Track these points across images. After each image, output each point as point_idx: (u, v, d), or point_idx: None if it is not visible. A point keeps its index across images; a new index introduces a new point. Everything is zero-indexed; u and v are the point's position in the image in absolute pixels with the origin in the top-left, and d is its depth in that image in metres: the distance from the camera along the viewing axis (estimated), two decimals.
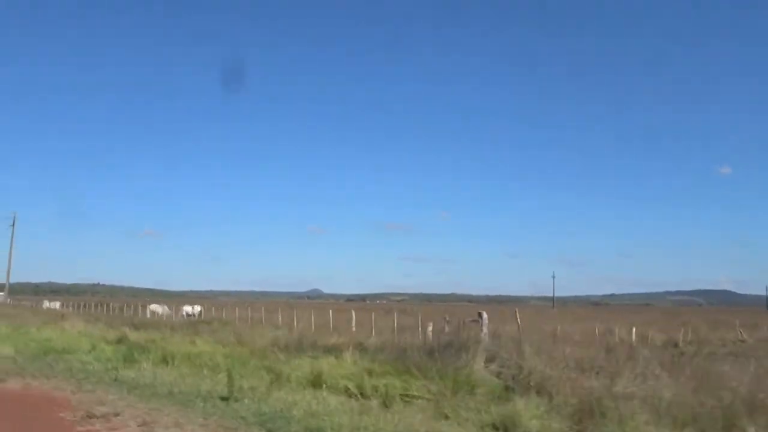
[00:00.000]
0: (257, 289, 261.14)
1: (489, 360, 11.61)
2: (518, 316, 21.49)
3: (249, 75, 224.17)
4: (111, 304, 48.64)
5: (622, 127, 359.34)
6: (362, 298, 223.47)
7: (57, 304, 50.58)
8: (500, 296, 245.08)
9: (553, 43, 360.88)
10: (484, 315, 20.52)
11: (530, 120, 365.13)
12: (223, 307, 41.42)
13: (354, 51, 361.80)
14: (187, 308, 38.65)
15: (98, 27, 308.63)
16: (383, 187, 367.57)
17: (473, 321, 21.20)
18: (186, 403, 8.49)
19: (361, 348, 12.33)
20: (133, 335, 17.67)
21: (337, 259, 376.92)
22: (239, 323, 28.54)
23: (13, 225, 59.05)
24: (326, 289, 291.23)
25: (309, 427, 7.00)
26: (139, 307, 40.63)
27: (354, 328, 25.32)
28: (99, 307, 44.75)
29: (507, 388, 8.94)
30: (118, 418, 7.60)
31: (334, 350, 12.06)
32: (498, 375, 9.85)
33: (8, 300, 55.47)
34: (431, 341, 16.50)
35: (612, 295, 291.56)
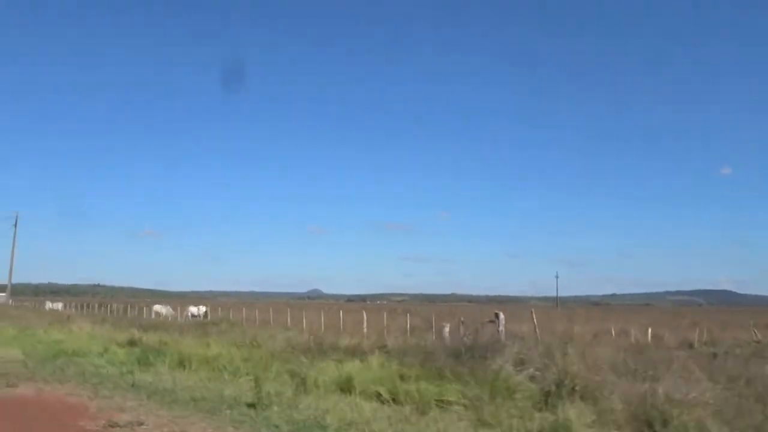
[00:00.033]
0: (257, 289, 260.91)
1: (517, 363, 11.27)
2: (534, 317, 21.11)
3: (249, 75, 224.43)
4: (114, 305, 48.15)
5: (623, 127, 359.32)
6: (362, 298, 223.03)
7: (59, 305, 50.06)
8: (501, 296, 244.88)
9: (553, 43, 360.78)
10: (501, 316, 20.09)
11: (530, 120, 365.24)
12: (229, 307, 40.89)
13: (354, 51, 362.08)
14: (193, 309, 38.17)
15: (98, 27, 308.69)
16: (383, 187, 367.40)
17: (490, 321, 20.81)
18: (212, 411, 8.05)
19: (384, 350, 11.89)
20: (143, 337, 17.24)
21: (337, 259, 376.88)
22: (247, 324, 28.13)
23: (16, 225, 58.51)
24: (326, 290, 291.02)
25: None
26: (144, 308, 40.16)
27: (365, 329, 24.90)
28: (102, 308, 44.26)
29: (548, 393, 8.52)
30: (143, 427, 7.17)
31: (357, 353, 11.61)
32: (531, 379, 9.45)
33: (10, 301, 54.90)
34: (454, 343, 16.09)
35: (612, 295, 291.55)
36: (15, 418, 7.84)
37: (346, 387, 9.06)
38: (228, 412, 7.99)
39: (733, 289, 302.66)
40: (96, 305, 46.61)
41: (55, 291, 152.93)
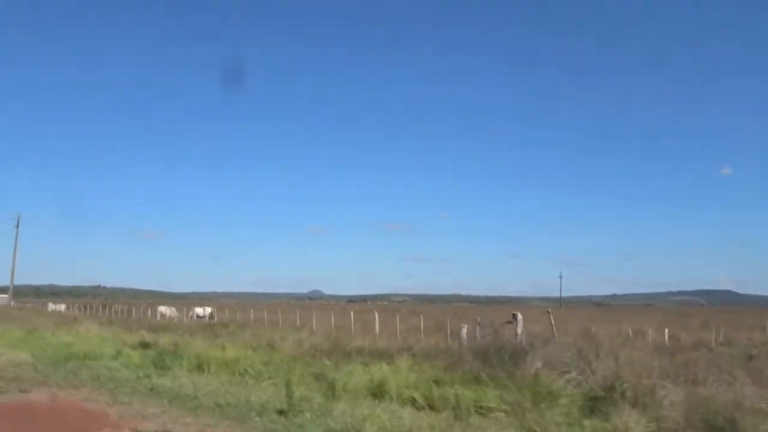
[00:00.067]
0: (258, 290, 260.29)
1: (548, 365, 10.84)
2: (552, 318, 20.68)
3: (249, 75, 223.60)
4: (117, 306, 47.70)
5: (623, 127, 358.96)
6: (363, 299, 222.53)
7: (62, 307, 49.60)
8: (501, 297, 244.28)
9: (553, 43, 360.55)
10: (519, 316, 19.66)
11: (530, 120, 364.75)
12: (236, 308, 40.44)
13: (354, 51, 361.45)
14: (198, 310, 37.71)
15: (98, 27, 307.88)
16: (383, 187, 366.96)
17: (507, 322, 20.38)
18: (240, 418, 7.61)
19: (410, 353, 11.45)
20: (154, 338, 16.80)
21: (337, 259, 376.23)
22: (255, 325, 27.69)
23: (18, 226, 58.01)
24: (327, 290, 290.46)
25: None
26: (149, 310, 39.69)
27: (377, 331, 24.46)
28: (105, 309, 43.83)
29: (594, 399, 8.08)
30: None
31: (383, 355, 11.16)
32: (573, 383, 9.01)
33: (12, 302, 54.39)
34: (473, 344, 15.66)
35: (613, 296, 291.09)
36: (30, 426, 7.41)
37: (378, 392, 8.63)
38: (257, 419, 7.55)
39: (734, 289, 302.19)
40: (99, 306, 46.16)
41: (55, 292, 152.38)
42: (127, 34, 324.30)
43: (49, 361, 13.25)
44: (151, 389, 9.61)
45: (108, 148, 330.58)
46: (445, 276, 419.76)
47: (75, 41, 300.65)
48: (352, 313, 27.44)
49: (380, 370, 9.84)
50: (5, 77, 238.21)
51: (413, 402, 8.28)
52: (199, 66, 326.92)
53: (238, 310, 37.67)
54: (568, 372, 9.38)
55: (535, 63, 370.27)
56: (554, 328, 20.01)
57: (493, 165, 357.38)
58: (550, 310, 21.43)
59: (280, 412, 7.74)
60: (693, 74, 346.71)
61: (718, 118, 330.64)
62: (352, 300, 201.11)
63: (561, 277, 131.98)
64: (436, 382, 8.65)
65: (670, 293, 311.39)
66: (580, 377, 8.79)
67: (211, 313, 37.02)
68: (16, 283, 61.73)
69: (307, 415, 7.58)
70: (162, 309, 39.00)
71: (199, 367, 11.30)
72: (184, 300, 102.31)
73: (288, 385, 8.00)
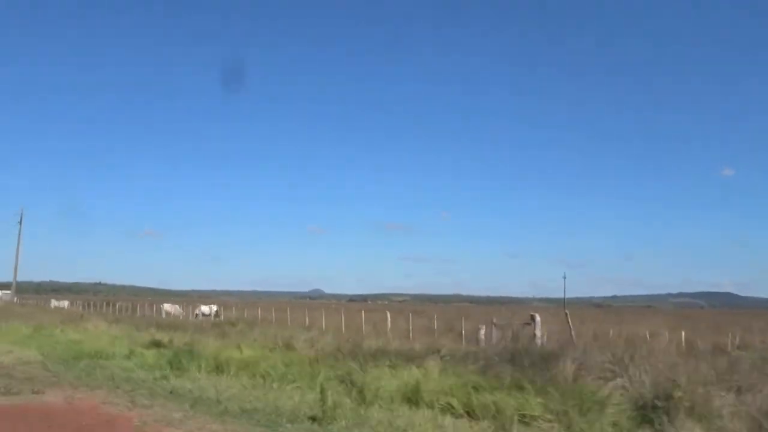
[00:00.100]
0: (258, 288, 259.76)
1: (578, 370, 10.41)
2: (569, 319, 20.24)
3: (249, 75, 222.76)
4: (120, 303, 47.21)
5: (623, 127, 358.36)
6: (364, 298, 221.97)
7: (65, 303, 49.13)
8: (502, 297, 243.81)
9: (554, 43, 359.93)
10: (538, 318, 19.21)
11: (530, 120, 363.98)
12: (243, 307, 39.95)
13: (354, 51, 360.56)
14: (204, 308, 37.24)
15: (98, 27, 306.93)
16: (383, 187, 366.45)
17: (526, 324, 19.92)
18: (270, 425, 7.16)
19: (438, 355, 10.98)
20: (164, 337, 16.33)
21: (337, 259, 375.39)
22: (263, 324, 27.21)
23: (21, 222, 57.32)
24: (327, 290, 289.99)
25: None
26: (154, 307, 39.19)
27: (389, 331, 24.00)
28: (109, 307, 43.33)
29: (643, 407, 7.64)
30: None
31: (410, 358, 10.70)
32: (613, 389, 8.56)
33: (15, 299, 53.87)
34: (506, 346, 15.15)
35: (614, 297, 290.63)
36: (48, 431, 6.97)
37: (413, 398, 8.17)
38: (289, 426, 7.12)
39: (735, 291, 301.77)
40: (103, 304, 45.66)
41: (56, 289, 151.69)
42: (127, 34, 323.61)
43: (59, 360, 12.82)
44: (171, 392, 9.16)
45: (108, 148, 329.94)
46: (445, 276, 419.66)
47: (75, 41, 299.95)
48: (363, 312, 26.95)
49: (410, 373, 9.38)
50: (5, 77, 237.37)
51: (450, 409, 7.84)
52: (199, 66, 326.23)
53: (243, 309, 37.19)
54: (609, 378, 8.96)
55: (536, 63, 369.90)
56: (572, 330, 19.59)
57: (493, 165, 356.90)
58: (567, 311, 21.01)
59: (313, 419, 7.31)
60: (694, 75, 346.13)
61: (719, 120, 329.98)
62: (352, 299, 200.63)
63: (565, 277, 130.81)
64: (475, 388, 8.19)
65: (670, 295, 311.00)
66: (626, 383, 8.34)
67: (216, 311, 36.58)
68: (17, 279, 61.28)
69: (342, 422, 7.15)
70: (167, 307, 38.50)
71: (218, 368, 10.85)
72: (185, 298, 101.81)
73: (322, 391, 7.55)
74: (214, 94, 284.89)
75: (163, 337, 16.63)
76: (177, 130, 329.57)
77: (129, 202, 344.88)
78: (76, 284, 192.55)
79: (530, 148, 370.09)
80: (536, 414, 7.52)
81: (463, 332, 22.09)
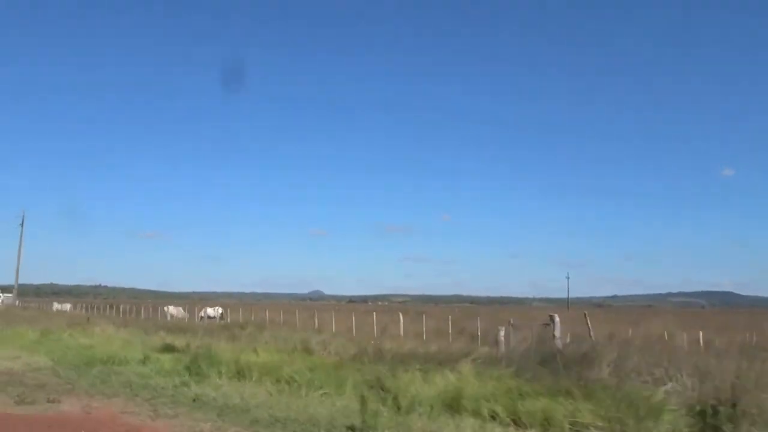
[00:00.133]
0: (258, 290, 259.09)
1: (614, 373, 9.98)
2: (588, 320, 19.81)
3: (249, 75, 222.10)
4: (122, 305, 46.71)
5: (624, 128, 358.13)
6: (364, 299, 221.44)
7: (68, 306, 48.57)
8: (502, 297, 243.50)
9: (554, 43, 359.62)
10: (557, 318, 18.73)
11: (530, 120, 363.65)
12: (244, 308, 39.41)
13: (354, 51, 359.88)
14: (209, 310, 36.74)
15: (98, 27, 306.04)
16: (383, 188, 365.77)
17: (545, 325, 19.46)
18: None
19: (469, 358, 10.52)
20: (175, 341, 15.86)
21: (337, 260, 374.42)
22: (271, 327, 26.75)
23: (22, 224, 56.80)
24: (327, 291, 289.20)
25: None
26: (159, 310, 38.68)
27: (402, 332, 23.57)
28: (112, 309, 42.87)
29: (702, 414, 7.19)
30: None
31: (439, 361, 10.24)
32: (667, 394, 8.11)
33: (16, 302, 53.25)
34: (511, 348, 14.74)
35: (614, 297, 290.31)
36: None
37: (454, 405, 7.71)
38: None
39: (735, 291, 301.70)
40: (106, 306, 45.19)
41: (56, 291, 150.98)
42: (127, 34, 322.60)
43: (70, 366, 12.36)
44: (194, 399, 8.69)
45: (108, 148, 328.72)
46: (446, 277, 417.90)
47: (75, 41, 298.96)
48: (374, 314, 26.51)
49: (444, 378, 8.94)
50: (5, 77, 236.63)
51: (495, 417, 7.39)
52: (199, 66, 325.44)
53: (250, 311, 36.72)
54: (657, 381, 8.53)
55: (535, 63, 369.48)
56: (591, 331, 19.15)
57: (493, 166, 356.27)
58: (585, 313, 20.59)
59: (352, 429, 6.85)
60: (694, 75, 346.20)
61: (719, 120, 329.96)
62: (352, 300, 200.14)
63: (568, 278, 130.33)
64: (518, 394, 7.75)
65: (671, 294, 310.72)
66: (678, 387, 7.90)
67: (222, 313, 36.11)
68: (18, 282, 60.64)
69: None
70: (172, 310, 38.01)
71: (239, 373, 10.38)
72: (186, 300, 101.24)
73: (362, 399, 7.09)
74: (214, 94, 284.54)
75: (174, 340, 16.17)
76: (177, 130, 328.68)
77: (129, 202, 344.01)
78: (77, 287, 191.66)
79: (530, 148, 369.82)
80: (587, 421, 7.07)
81: (479, 333, 21.67)
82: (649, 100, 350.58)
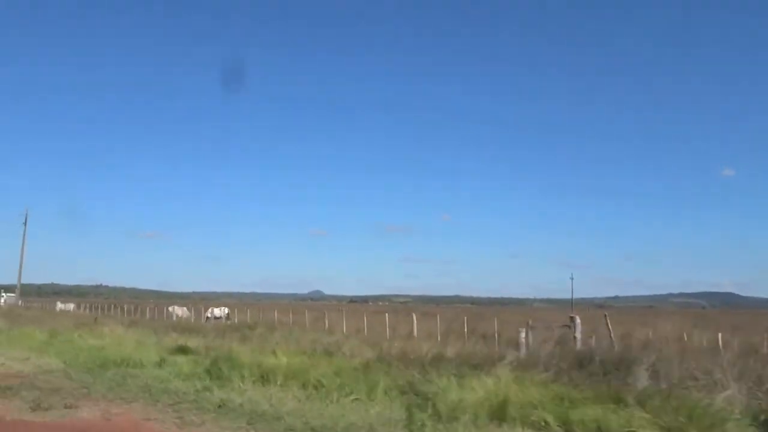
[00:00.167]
0: (258, 290, 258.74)
1: (652, 377, 9.55)
2: (608, 321, 19.37)
3: (249, 75, 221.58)
4: (126, 306, 46.24)
5: (624, 128, 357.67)
6: (364, 299, 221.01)
7: (71, 306, 48.07)
8: (503, 298, 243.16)
9: (554, 43, 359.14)
10: (578, 319, 18.28)
11: (530, 120, 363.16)
12: (248, 309, 38.87)
13: (354, 51, 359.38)
14: (216, 311, 36.25)
15: (98, 27, 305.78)
16: (383, 188, 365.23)
17: (565, 326, 19.00)
18: None
19: (503, 361, 10.07)
20: (188, 342, 15.43)
21: (337, 260, 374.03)
22: (279, 326, 26.30)
23: (25, 223, 56.22)
24: (327, 291, 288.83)
25: None
26: (165, 311, 38.17)
27: (416, 333, 23.11)
28: (116, 309, 42.40)
29: (765, 424, 6.75)
30: None
31: (477, 365, 9.79)
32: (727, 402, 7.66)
33: (19, 302, 52.70)
34: (532, 350, 14.31)
35: (615, 297, 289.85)
36: None
37: (500, 413, 7.25)
38: None
39: (736, 291, 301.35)
40: (111, 306, 44.71)
41: (57, 291, 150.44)
42: (127, 34, 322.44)
43: (83, 369, 11.89)
44: (219, 406, 8.22)
45: (108, 148, 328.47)
46: (446, 277, 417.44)
47: (75, 41, 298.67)
48: (387, 315, 26.04)
49: (481, 383, 8.48)
50: (5, 77, 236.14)
51: (545, 427, 6.93)
52: (199, 66, 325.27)
53: (259, 311, 36.21)
54: (707, 387, 8.09)
55: (535, 63, 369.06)
56: (611, 334, 18.70)
57: (493, 166, 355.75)
58: (606, 314, 20.15)
59: None
60: (694, 75, 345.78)
61: (719, 120, 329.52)
62: (353, 300, 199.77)
63: (572, 278, 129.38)
64: (571, 401, 7.30)
65: (671, 295, 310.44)
66: (737, 394, 7.45)
67: (228, 313, 35.64)
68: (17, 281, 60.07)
69: None
70: (178, 310, 37.51)
71: (262, 377, 9.92)
72: (187, 300, 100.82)
73: (410, 409, 6.64)
74: (214, 94, 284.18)
75: (186, 341, 15.73)
76: (177, 130, 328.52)
77: (129, 202, 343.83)
78: (77, 286, 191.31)
79: (530, 148, 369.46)
80: (645, 431, 6.63)
81: (496, 335, 21.22)
82: (649, 100, 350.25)
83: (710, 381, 8.75)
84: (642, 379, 9.46)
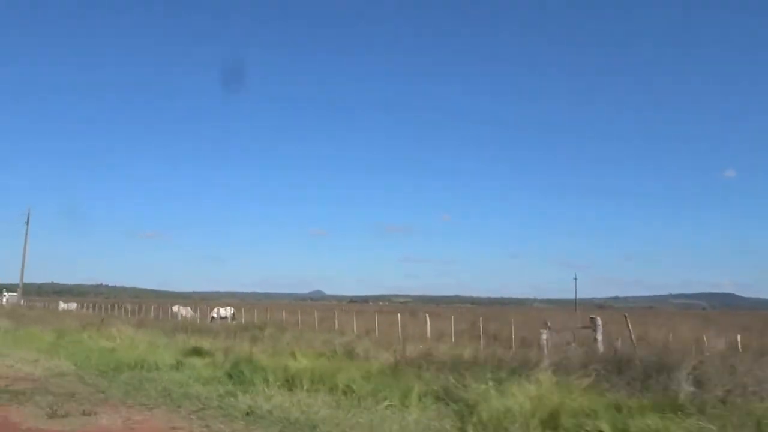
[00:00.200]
0: (259, 290, 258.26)
1: (695, 383, 9.10)
2: (629, 323, 18.91)
3: (249, 75, 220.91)
4: (129, 305, 45.73)
5: (624, 128, 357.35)
6: (365, 299, 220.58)
7: (73, 306, 47.55)
8: (503, 298, 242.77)
9: (554, 43, 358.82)
10: (599, 321, 17.82)
11: (531, 120, 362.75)
12: (267, 309, 38.37)
13: (354, 51, 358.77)
14: (222, 310, 35.76)
15: (98, 27, 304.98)
16: (383, 188, 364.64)
17: (585, 327, 18.53)
18: None
19: (539, 365, 9.60)
20: (201, 343, 14.96)
21: (338, 260, 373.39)
22: (288, 327, 25.85)
23: (28, 222, 55.56)
24: (328, 291, 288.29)
25: None
26: (169, 310, 37.66)
27: (429, 334, 22.69)
28: (120, 309, 41.90)
29: None
30: None
31: (514, 369, 9.32)
32: None
33: (21, 301, 52.14)
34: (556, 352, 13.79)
35: (615, 298, 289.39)
36: None
37: (550, 422, 6.79)
38: None
39: (736, 292, 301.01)
40: (115, 306, 44.23)
41: (58, 290, 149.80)
42: (127, 34, 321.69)
43: (96, 371, 11.44)
44: (247, 413, 7.75)
45: (108, 148, 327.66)
46: (446, 277, 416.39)
47: (75, 41, 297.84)
48: (399, 315, 25.58)
49: (521, 389, 8.02)
50: (5, 77, 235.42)
51: None
52: (199, 66, 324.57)
53: (266, 311, 35.71)
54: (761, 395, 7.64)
55: (536, 63, 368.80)
56: (632, 335, 18.23)
57: (493, 166, 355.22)
58: (626, 315, 19.67)
59: None
60: (694, 75, 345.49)
61: (719, 120, 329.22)
62: (353, 300, 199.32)
63: (576, 279, 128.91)
64: (629, 409, 6.84)
65: (671, 296, 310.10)
66: None
67: (233, 313, 35.17)
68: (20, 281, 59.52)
69: None
70: (182, 311, 37.00)
71: (287, 381, 9.45)
72: (187, 299, 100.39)
73: (462, 416, 6.18)
74: (214, 94, 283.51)
75: (198, 342, 15.26)
76: (177, 130, 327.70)
77: (129, 202, 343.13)
78: (78, 286, 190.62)
79: (530, 148, 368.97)
80: None
81: (513, 337, 20.77)
82: (649, 100, 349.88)
83: (762, 388, 8.33)
84: (685, 386, 9.04)
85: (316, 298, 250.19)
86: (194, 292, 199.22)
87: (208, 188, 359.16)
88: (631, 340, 18.03)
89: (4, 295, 58.50)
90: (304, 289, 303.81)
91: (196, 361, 11.81)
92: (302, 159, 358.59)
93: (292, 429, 6.98)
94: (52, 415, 7.66)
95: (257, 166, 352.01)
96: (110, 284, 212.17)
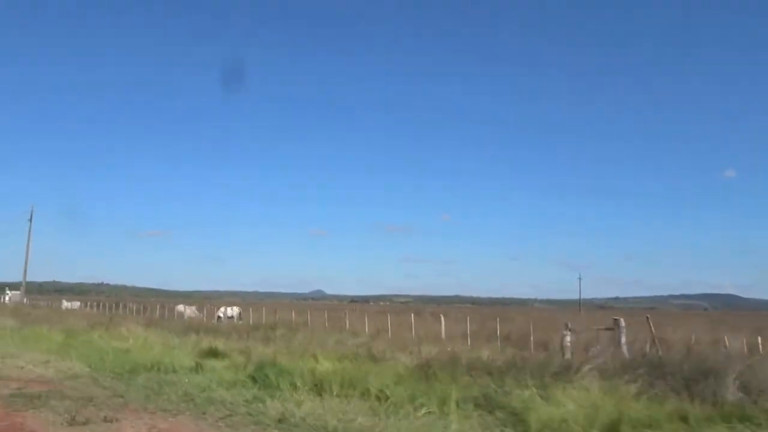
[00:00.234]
0: (260, 289, 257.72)
1: (742, 389, 8.68)
2: (651, 324, 18.46)
3: (249, 75, 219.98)
4: (130, 304, 45.26)
5: (624, 128, 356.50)
6: (365, 299, 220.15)
7: (77, 304, 47.13)
8: (504, 298, 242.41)
9: (554, 43, 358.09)
10: (622, 322, 17.37)
11: (530, 120, 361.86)
12: (272, 309, 37.92)
13: (354, 51, 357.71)
14: (228, 310, 35.29)
15: (98, 27, 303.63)
16: (383, 188, 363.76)
17: (607, 329, 18.07)
18: None
19: (582, 369, 9.16)
20: (216, 344, 14.53)
21: (338, 260, 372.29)
22: (300, 327, 25.39)
23: (30, 220, 55.08)
24: (328, 290, 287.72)
25: None
26: (175, 311, 37.18)
27: (443, 335, 22.23)
28: (124, 308, 41.43)
29: None
30: None
31: (556, 374, 8.88)
32: None
33: (24, 300, 51.69)
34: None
35: (616, 298, 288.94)
36: None
37: None
38: None
39: (737, 293, 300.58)
40: (119, 305, 43.72)
41: (59, 289, 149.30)
42: (127, 34, 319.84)
43: (111, 374, 10.99)
44: (280, 420, 7.29)
45: (108, 148, 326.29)
46: (446, 277, 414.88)
47: (75, 41, 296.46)
48: (412, 315, 25.12)
49: (567, 395, 7.58)
50: (5, 77, 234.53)
51: None
52: (199, 66, 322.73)
53: (274, 311, 35.22)
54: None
55: (536, 63, 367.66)
56: (654, 338, 17.75)
57: (494, 166, 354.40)
58: (648, 316, 19.20)
59: None
60: (694, 75, 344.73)
61: (719, 120, 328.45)
62: (354, 300, 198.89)
63: (580, 279, 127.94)
64: (696, 419, 6.39)
65: (672, 296, 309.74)
66: None
67: (239, 313, 34.71)
68: (21, 279, 59.02)
69: None
70: (187, 310, 36.52)
71: (316, 386, 9.00)
72: (188, 299, 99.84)
73: (506, 424, 5.73)
74: (214, 94, 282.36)
75: (212, 343, 14.83)
76: (177, 130, 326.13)
77: (129, 202, 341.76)
78: (79, 284, 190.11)
79: (530, 148, 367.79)
80: None
81: (531, 338, 20.30)
82: (649, 100, 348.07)
83: None
84: (732, 391, 8.61)
85: (317, 297, 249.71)
86: (195, 291, 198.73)
87: (209, 188, 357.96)
88: (654, 342, 17.57)
89: (7, 294, 58.09)
90: (304, 289, 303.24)
91: (215, 363, 11.36)
92: (302, 159, 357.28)
93: None
94: (72, 422, 7.20)
95: (257, 166, 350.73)
96: (111, 283, 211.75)
